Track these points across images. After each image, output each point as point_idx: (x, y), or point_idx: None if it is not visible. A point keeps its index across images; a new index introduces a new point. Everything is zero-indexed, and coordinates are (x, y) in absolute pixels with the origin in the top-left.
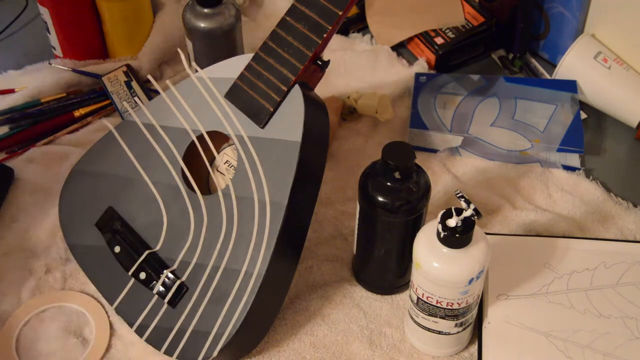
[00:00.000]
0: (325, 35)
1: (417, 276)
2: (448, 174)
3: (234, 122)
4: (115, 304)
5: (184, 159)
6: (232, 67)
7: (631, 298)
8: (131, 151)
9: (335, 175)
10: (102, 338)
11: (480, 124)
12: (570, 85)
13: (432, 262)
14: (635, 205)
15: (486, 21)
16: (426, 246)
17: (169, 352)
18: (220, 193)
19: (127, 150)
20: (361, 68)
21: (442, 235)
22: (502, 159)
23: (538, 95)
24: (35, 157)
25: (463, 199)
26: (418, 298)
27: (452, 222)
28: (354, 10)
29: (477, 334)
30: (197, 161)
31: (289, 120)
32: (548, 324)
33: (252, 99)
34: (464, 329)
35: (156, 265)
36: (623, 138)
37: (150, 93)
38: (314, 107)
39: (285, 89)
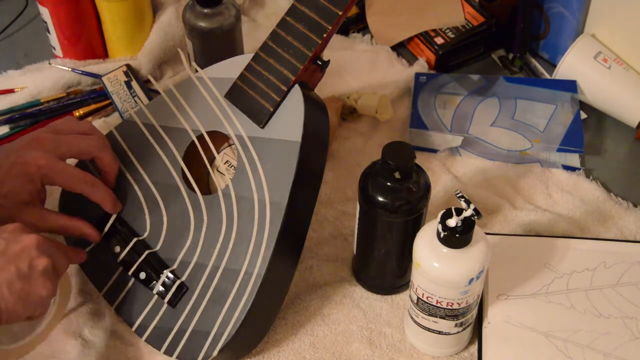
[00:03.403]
0: (325, 35)
1: (417, 276)
2: (448, 174)
3: (234, 122)
4: (115, 303)
5: (184, 159)
6: (232, 67)
7: (631, 298)
8: (131, 151)
9: (335, 175)
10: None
11: (480, 124)
12: (570, 85)
13: (432, 262)
14: (635, 205)
15: (486, 21)
16: (426, 246)
17: (168, 352)
18: (220, 193)
19: (127, 150)
20: (361, 68)
21: (442, 235)
22: (502, 159)
23: (538, 95)
24: None
25: (463, 199)
26: (418, 298)
27: (452, 222)
28: (354, 10)
29: (477, 334)
30: (197, 161)
31: (289, 120)
32: (548, 324)
33: (252, 99)
34: (464, 329)
35: (156, 265)
36: (623, 138)
37: (150, 93)
38: (314, 107)
39: (285, 89)
